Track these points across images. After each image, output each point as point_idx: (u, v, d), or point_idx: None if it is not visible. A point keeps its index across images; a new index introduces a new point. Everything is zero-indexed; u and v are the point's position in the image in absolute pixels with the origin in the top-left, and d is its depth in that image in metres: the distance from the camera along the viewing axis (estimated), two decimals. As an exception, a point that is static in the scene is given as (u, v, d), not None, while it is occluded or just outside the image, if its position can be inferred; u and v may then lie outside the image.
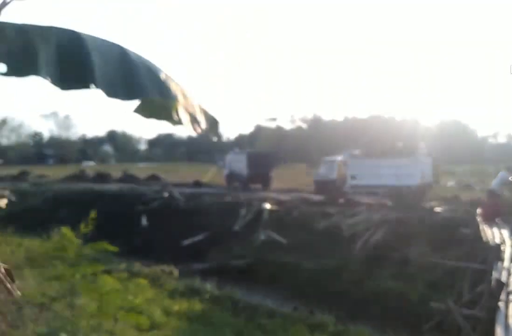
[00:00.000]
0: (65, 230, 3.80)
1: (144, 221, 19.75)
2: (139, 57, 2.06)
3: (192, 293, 11.48)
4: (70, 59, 1.77)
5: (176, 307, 10.03)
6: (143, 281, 11.86)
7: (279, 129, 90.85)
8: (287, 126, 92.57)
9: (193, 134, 2.18)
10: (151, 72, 2.01)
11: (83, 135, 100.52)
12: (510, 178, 14.28)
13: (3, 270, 1.66)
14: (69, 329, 6.95)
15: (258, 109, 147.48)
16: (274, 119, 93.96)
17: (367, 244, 14.13)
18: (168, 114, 2.08)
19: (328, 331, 8.53)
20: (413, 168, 19.00)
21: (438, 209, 16.86)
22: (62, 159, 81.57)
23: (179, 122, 2.14)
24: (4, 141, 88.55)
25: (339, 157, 22.41)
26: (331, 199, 19.81)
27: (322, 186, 21.77)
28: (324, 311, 10.08)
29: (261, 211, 18.25)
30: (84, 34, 1.91)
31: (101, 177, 34.33)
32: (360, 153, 22.97)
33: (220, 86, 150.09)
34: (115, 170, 39.67)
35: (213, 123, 2.48)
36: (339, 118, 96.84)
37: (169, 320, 9.31)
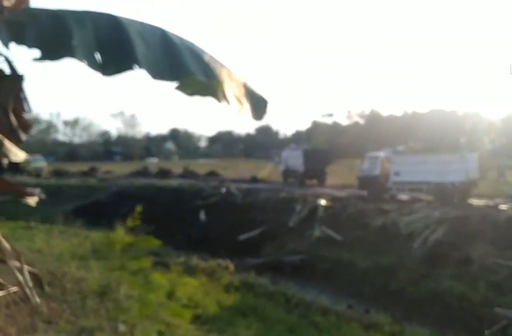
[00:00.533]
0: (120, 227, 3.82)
1: (202, 216, 20.04)
2: (181, 39, 2.01)
3: (246, 287, 11.44)
4: (110, 43, 1.73)
5: (230, 301, 10.03)
6: (199, 275, 12.02)
7: (335, 125, 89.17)
8: (344, 122, 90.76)
9: (240, 115, 2.06)
10: (194, 54, 1.94)
11: (147, 133, 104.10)
12: None
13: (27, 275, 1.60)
14: (128, 320, 7.11)
15: (315, 105, 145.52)
16: (330, 115, 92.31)
17: (426, 242, 13.45)
18: (213, 92, 1.98)
19: (383, 331, 8.13)
20: (458, 164, 18.03)
21: (503, 207, 15.75)
22: (128, 156, 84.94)
23: (224, 100, 2.03)
24: (77, 140, 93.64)
25: (383, 153, 21.71)
26: (374, 195, 19.39)
27: (365, 181, 21.16)
28: (379, 310, 9.67)
29: (316, 207, 17.92)
30: (122, 17, 1.87)
31: (163, 173, 35.27)
32: (404, 150, 22.27)
33: (280, 82, 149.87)
34: (177, 166, 40.64)
35: (260, 103, 2.34)
36: (398, 113, 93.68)
37: (223, 314, 9.32)
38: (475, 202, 17.69)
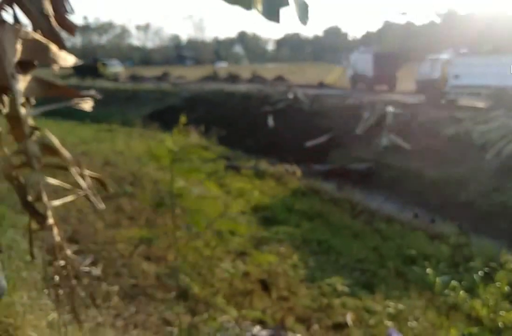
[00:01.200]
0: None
1: (270, 122, 19.71)
2: None
3: (313, 193, 11.44)
4: None
5: (298, 206, 10.11)
6: (268, 179, 12.07)
7: (409, 25, 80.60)
8: (418, 22, 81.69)
9: (271, 20, 1.56)
10: None
11: (216, 37, 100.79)
12: None
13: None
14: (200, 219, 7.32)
15: (388, 3, 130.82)
16: (404, 13, 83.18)
17: (500, 154, 12.36)
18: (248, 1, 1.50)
19: (448, 243, 7.85)
20: None
21: None
22: (198, 61, 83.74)
23: (263, 10, 1.56)
24: (149, 45, 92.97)
25: (445, 55, 19.26)
26: (433, 100, 18.06)
27: (424, 85, 19.45)
28: (446, 221, 9.34)
29: (385, 114, 16.85)
30: None
31: (232, 78, 34.51)
32: (467, 51, 19.51)
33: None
34: (245, 71, 39.54)
35: (302, 7, 1.83)
36: (478, 12, 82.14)
37: (291, 217, 9.46)
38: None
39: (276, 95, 22.16)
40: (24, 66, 1.26)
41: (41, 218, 1.37)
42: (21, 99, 1.24)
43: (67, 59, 1.34)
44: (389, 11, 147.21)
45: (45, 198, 1.35)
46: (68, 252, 1.46)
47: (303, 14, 1.74)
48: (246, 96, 23.01)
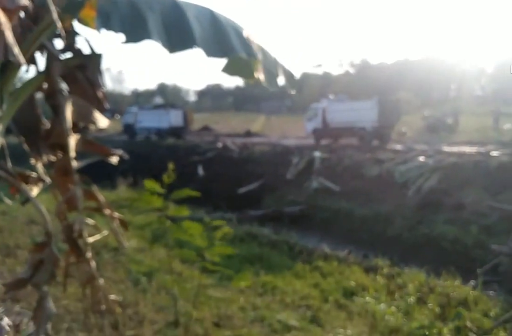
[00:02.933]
0: (149, 183, 4.07)
1: (200, 171, 20.34)
2: (225, 18, 2.22)
3: (251, 238, 11.97)
4: (173, 25, 1.96)
5: (237, 251, 10.52)
6: (205, 227, 12.44)
7: (326, 75, 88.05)
8: (335, 72, 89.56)
9: (272, 88, 2.32)
10: (237, 31, 2.17)
11: (135, 89, 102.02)
12: None
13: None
14: (145, 271, 7.51)
15: (305, 56, 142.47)
16: (319, 65, 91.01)
17: (420, 190, 13.94)
18: (250, 72, 2.22)
19: (383, 273, 8.71)
20: (368, 111, 20.80)
21: (495, 153, 16.17)
22: (118, 112, 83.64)
23: (258, 80, 2.28)
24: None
25: (323, 103, 23.32)
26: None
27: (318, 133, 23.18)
28: (377, 255, 10.26)
29: (312, 159, 18.25)
30: (180, 1, 2.09)
31: (156, 129, 35.14)
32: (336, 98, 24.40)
33: (267, 34, 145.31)
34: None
35: (290, 77, 2.58)
36: (389, 61, 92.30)
37: (231, 263, 9.83)
38: (467, 149, 18.11)
39: (205, 145, 23.07)
40: (73, 127, 1.82)
41: (80, 252, 1.85)
42: (73, 154, 1.78)
43: (103, 121, 1.94)
44: (306, 62, 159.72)
45: (85, 235, 1.85)
46: (101, 281, 1.92)
47: (291, 83, 2.49)
48: (173, 147, 23.64)
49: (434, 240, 10.72)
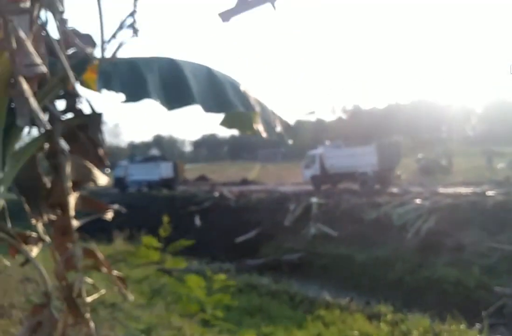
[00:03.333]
0: (146, 238, 4.17)
1: (197, 221, 20.33)
2: (222, 74, 2.38)
3: (250, 288, 11.81)
4: (171, 83, 2.09)
5: (236, 303, 10.36)
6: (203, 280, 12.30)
7: (319, 122, 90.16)
8: (327, 118, 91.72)
9: (266, 137, 2.49)
10: (234, 87, 2.32)
11: (132, 142, 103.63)
12: None
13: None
14: (143, 328, 7.41)
15: (298, 103, 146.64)
16: (312, 112, 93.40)
17: (419, 232, 13.96)
18: (249, 125, 2.37)
19: (386, 320, 8.58)
20: (368, 156, 20.93)
21: (490, 193, 16.36)
22: (115, 166, 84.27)
23: (257, 132, 2.42)
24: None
25: (320, 150, 23.62)
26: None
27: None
28: (379, 301, 10.12)
29: (309, 205, 18.35)
30: (178, 60, 2.24)
31: (153, 181, 35.43)
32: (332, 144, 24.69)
33: (258, 83, 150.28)
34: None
35: (287, 127, 2.74)
36: (380, 106, 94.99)
37: (231, 315, 9.66)
38: (462, 190, 18.31)
39: (201, 195, 23.21)
40: (73, 185, 1.96)
41: (79, 313, 1.89)
42: (73, 213, 1.90)
43: (103, 179, 2.08)
44: (300, 110, 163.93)
45: (84, 295, 1.90)
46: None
47: (288, 133, 2.69)
48: (170, 198, 23.77)
49: (436, 283, 10.62)
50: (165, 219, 4.19)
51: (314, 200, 18.59)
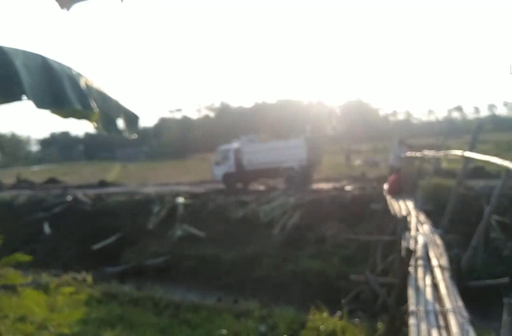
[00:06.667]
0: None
1: (47, 229, 18.87)
2: (60, 65, 2.17)
3: (109, 298, 11.35)
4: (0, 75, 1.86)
5: (94, 314, 9.91)
6: (53, 293, 11.50)
7: (185, 119, 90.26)
8: (194, 116, 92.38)
9: (111, 135, 2.35)
10: (73, 80, 2.13)
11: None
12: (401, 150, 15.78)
13: None
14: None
15: (161, 100, 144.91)
16: (179, 110, 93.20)
17: (285, 228, 14.86)
18: (87, 115, 2.22)
19: (254, 317, 8.98)
20: (294, 150, 20.17)
21: (348, 188, 18.07)
22: None
23: (96, 125, 2.29)
24: None
25: (235, 144, 22.84)
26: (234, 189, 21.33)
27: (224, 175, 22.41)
28: (248, 298, 10.54)
29: (175, 206, 18.27)
30: (5, 47, 1.98)
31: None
32: (252, 139, 23.39)
33: (121, 78, 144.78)
34: (7, 176, 37.15)
35: (132, 120, 2.63)
36: (248, 104, 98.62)
37: (88, 329, 9.19)
38: (324, 185, 19.94)
39: (51, 199, 21.58)
40: None
41: None
42: None
43: None
44: (164, 107, 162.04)
45: None
46: None
47: (131, 126, 2.53)
48: (12, 204, 21.69)
49: (300, 276, 11.43)
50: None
51: (180, 200, 18.56)
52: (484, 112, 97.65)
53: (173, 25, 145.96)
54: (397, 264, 7.62)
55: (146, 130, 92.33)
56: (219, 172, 22.27)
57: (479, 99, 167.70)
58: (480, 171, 16.26)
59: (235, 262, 13.16)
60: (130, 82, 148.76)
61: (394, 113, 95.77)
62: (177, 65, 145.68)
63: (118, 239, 17.04)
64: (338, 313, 8.87)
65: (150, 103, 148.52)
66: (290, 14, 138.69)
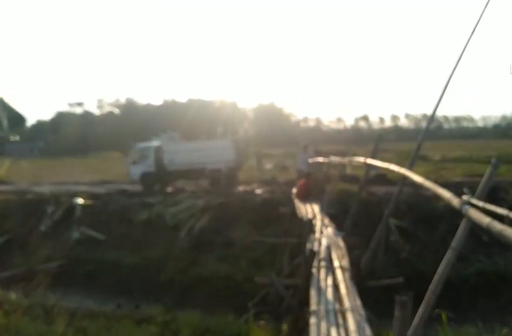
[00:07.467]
0: None
1: None
2: None
3: (-8, 306, 10.57)
4: None
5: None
6: None
7: (86, 115, 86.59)
8: (96, 112, 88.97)
9: None
10: None
11: None
12: (307, 155, 16.53)
13: None
14: None
15: (60, 92, 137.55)
16: (80, 104, 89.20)
17: (192, 231, 14.77)
18: None
19: (156, 322, 8.84)
20: (221, 151, 20.03)
21: (258, 191, 18.43)
22: None
23: None
24: None
25: (155, 142, 21.96)
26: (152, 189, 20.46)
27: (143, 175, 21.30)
28: (151, 303, 10.35)
29: (72, 207, 17.45)
30: None
31: None
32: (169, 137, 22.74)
33: (10, 68, 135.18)
34: None
35: (17, 121, 2.48)
36: (156, 102, 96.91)
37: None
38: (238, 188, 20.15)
39: None
40: None
41: None
42: None
43: None
44: (63, 100, 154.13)
45: None
46: None
47: (16, 126, 2.32)
48: None
49: (206, 279, 11.45)
50: None
51: (78, 201, 17.76)
52: (388, 123, 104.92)
53: (79, 11, 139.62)
54: (302, 265, 7.94)
55: (41, 124, 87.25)
56: (137, 171, 21.29)
57: (384, 110, 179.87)
58: (383, 178, 17.35)
59: (137, 266, 12.86)
60: (26, 69, 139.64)
61: (305, 120, 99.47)
62: (80, 54, 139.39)
63: (5, 241, 15.93)
64: (244, 316, 9.02)
65: (48, 94, 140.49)
66: (206, 12, 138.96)
